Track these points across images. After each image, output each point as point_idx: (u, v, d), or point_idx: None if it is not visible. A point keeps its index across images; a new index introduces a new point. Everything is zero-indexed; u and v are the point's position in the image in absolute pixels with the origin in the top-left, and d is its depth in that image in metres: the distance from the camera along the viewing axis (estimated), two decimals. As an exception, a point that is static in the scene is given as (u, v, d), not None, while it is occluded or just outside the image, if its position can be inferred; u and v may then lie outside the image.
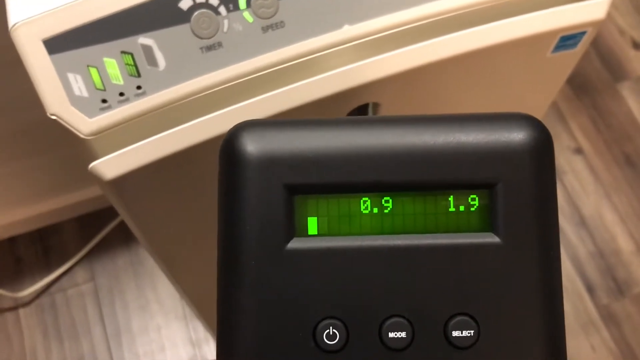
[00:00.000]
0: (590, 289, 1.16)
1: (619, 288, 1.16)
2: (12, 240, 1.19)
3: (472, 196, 0.28)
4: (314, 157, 0.28)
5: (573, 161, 1.27)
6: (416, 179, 0.28)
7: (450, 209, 0.28)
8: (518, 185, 0.28)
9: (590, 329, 1.13)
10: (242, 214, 0.27)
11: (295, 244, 0.28)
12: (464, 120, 0.29)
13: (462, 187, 0.28)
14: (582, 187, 1.25)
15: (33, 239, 1.20)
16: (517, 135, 0.28)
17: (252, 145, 0.28)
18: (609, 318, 1.14)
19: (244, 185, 0.27)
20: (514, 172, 0.28)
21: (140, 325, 1.16)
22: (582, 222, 1.21)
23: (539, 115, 0.64)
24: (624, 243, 1.20)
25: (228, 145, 0.28)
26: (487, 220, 0.28)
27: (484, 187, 0.28)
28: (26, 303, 1.16)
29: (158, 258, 0.56)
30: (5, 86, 0.81)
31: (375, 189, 0.28)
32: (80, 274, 1.18)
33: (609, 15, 1.37)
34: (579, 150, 1.27)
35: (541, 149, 0.28)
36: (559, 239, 0.29)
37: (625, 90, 1.32)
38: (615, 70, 1.34)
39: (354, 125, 0.29)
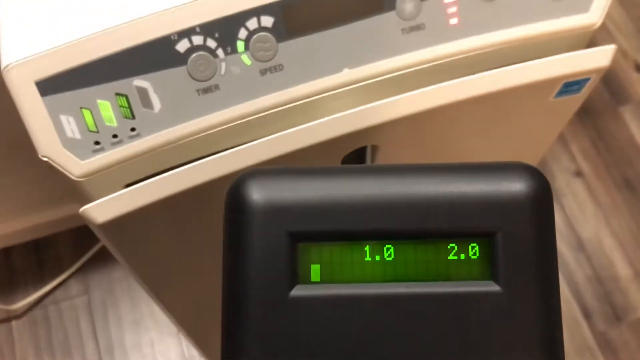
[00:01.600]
0: (587, 315, 1.15)
1: (616, 314, 1.16)
2: (6, 252, 1.18)
3: (472, 245, 0.28)
4: (318, 205, 0.28)
5: (573, 184, 1.26)
6: (417, 228, 0.28)
7: (450, 257, 0.28)
8: (518, 235, 0.28)
9: (586, 355, 1.12)
10: (246, 260, 0.28)
11: (298, 291, 0.28)
12: (465, 169, 0.29)
13: (463, 236, 0.28)
14: (581, 210, 1.24)
15: (28, 251, 1.19)
16: (516, 185, 0.28)
17: (257, 193, 0.28)
18: (606, 344, 1.13)
19: (248, 232, 0.28)
20: (513, 222, 0.28)
21: (133, 340, 1.15)
22: (580, 246, 1.21)
23: (539, 154, 0.63)
24: (622, 269, 1.19)
25: (234, 192, 0.29)
26: (488, 268, 0.28)
27: (484, 236, 0.28)
28: (19, 315, 1.15)
29: (151, 292, 0.55)
30: (0, 98, 0.81)
31: (378, 237, 0.28)
32: (74, 286, 1.18)
33: (612, 37, 1.37)
34: (579, 173, 1.27)
35: (540, 198, 0.28)
36: (559, 288, 0.29)
37: (627, 114, 1.32)
38: (618, 93, 1.33)
39: (357, 174, 0.29)
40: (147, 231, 0.47)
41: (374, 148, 0.50)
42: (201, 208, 0.46)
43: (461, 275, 0.28)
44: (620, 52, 1.36)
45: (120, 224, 0.43)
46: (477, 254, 0.28)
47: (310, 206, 0.28)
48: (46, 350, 1.13)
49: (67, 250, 1.19)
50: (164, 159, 0.45)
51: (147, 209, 0.43)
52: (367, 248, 0.28)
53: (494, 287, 0.28)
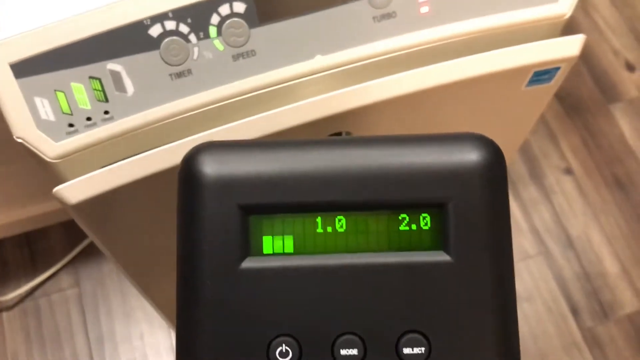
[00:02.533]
0: (574, 311, 1.16)
1: (604, 311, 1.16)
2: (-2, 244, 1.19)
3: (423, 215, 0.28)
4: (269, 178, 0.28)
5: (562, 181, 1.26)
6: (369, 199, 0.28)
7: (402, 228, 0.29)
8: (469, 205, 0.28)
9: (573, 352, 1.13)
10: (198, 233, 0.28)
11: (249, 263, 0.28)
12: (417, 140, 0.29)
13: (414, 207, 0.28)
14: (570, 207, 1.24)
15: (20, 243, 1.20)
16: (468, 155, 0.28)
17: (208, 167, 0.28)
18: (593, 341, 1.14)
19: (200, 205, 0.28)
20: (464, 192, 0.28)
21: (123, 333, 1.16)
22: (569, 243, 1.21)
23: (517, 143, 0.64)
24: (610, 266, 1.19)
25: (185, 166, 0.29)
26: (439, 239, 0.28)
27: (436, 206, 0.28)
28: (10, 307, 1.15)
29: (134, 281, 0.56)
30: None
31: (329, 208, 0.29)
32: (65, 279, 1.18)
33: (604, 36, 1.38)
34: (568, 171, 1.27)
35: (491, 168, 0.28)
36: (512, 258, 0.29)
37: (618, 112, 1.32)
38: (608, 92, 1.34)
39: (308, 146, 0.29)
40: (122, 214, 0.48)
41: (348, 135, 0.50)
42: (175, 192, 0.46)
43: (413, 246, 0.28)
44: (612, 51, 1.37)
45: (93, 206, 0.44)
46: (429, 225, 0.29)
47: (262, 179, 0.28)
48: (36, 341, 1.14)
49: (58, 243, 1.20)
50: (139, 143, 0.45)
51: (121, 191, 0.44)
52: (318, 220, 0.29)
53: (445, 257, 0.28)
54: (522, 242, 1.21)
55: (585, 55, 1.35)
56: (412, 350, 0.28)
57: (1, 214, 1.13)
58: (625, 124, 1.31)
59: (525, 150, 1.28)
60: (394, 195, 0.28)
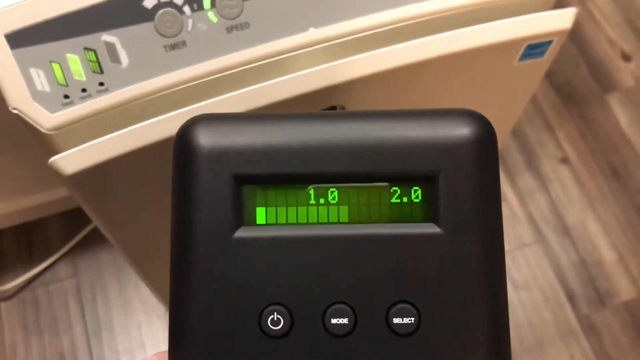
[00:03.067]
0: (571, 299, 1.16)
1: (600, 299, 1.16)
2: (-4, 234, 1.19)
3: (414, 187, 0.29)
4: (262, 149, 0.29)
5: (559, 170, 1.27)
6: (360, 171, 0.29)
7: (393, 200, 0.29)
8: (458, 177, 0.29)
9: (569, 339, 1.13)
10: (192, 203, 0.28)
11: (242, 232, 0.28)
12: (409, 114, 0.30)
13: (405, 179, 0.29)
14: (567, 196, 1.25)
15: (17, 234, 1.20)
16: (458, 128, 0.29)
17: (202, 139, 0.29)
18: (589, 328, 1.14)
19: (194, 175, 0.28)
20: (454, 164, 0.29)
21: (121, 323, 1.16)
22: (565, 231, 1.22)
23: (510, 123, 0.64)
24: (607, 254, 1.20)
25: (180, 138, 0.29)
26: (429, 211, 0.29)
27: (426, 179, 0.29)
28: (8, 297, 1.16)
29: (125, 255, 0.56)
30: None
31: (321, 180, 0.29)
32: (63, 269, 1.19)
33: (599, 25, 1.38)
34: (565, 160, 1.28)
35: (482, 141, 0.29)
36: (502, 231, 0.30)
37: (614, 102, 1.33)
38: (604, 81, 1.34)
39: (301, 119, 0.30)
40: (118, 188, 0.48)
41: (342, 109, 0.51)
42: (170, 163, 0.47)
43: (404, 218, 0.29)
44: (607, 41, 1.37)
45: (89, 177, 0.44)
46: (420, 197, 0.29)
47: (255, 150, 0.29)
48: (34, 331, 1.14)
49: (56, 233, 1.20)
50: (134, 115, 0.46)
51: (116, 162, 0.44)
52: (311, 191, 0.29)
53: (435, 229, 0.28)
54: (518, 230, 1.21)
55: (581, 45, 1.36)
56: (402, 320, 0.28)
57: (-1, 204, 1.13)
58: (621, 114, 1.31)
59: (522, 140, 1.29)
60: (386, 168, 0.29)
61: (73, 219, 1.20)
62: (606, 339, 1.13)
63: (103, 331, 1.15)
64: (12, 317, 1.15)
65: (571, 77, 1.34)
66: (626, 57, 1.36)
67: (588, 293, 1.17)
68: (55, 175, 0.44)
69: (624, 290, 1.17)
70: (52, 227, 1.20)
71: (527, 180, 1.26)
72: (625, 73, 1.35)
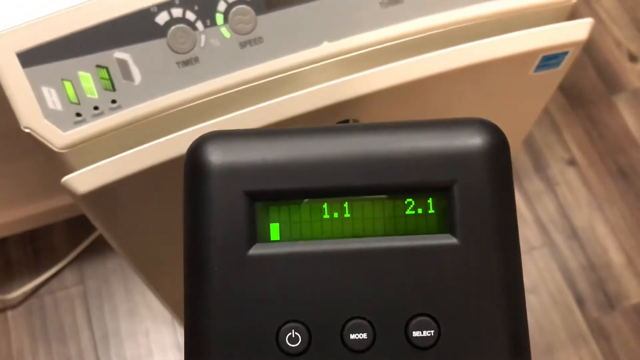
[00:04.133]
0: (580, 302, 1.16)
1: (609, 301, 1.16)
2: (2, 242, 1.19)
3: (429, 199, 0.29)
4: (275, 165, 0.28)
5: (566, 172, 1.26)
6: (374, 184, 0.28)
7: (408, 212, 0.29)
8: (473, 187, 0.28)
9: (579, 342, 1.13)
10: (205, 221, 0.28)
11: (257, 249, 0.28)
12: (420, 125, 0.29)
13: (420, 190, 0.29)
14: (574, 198, 1.24)
15: (24, 241, 1.20)
16: (472, 139, 0.28)
17: (214, 155, 0.28)
18: (599, 331, 1.14)
19: (206, 193, 0.28)
20: (468, 175, 0.28)
21: (128, 329, 1.16)
22: (573, 233, 1.21)
23: (523, 133, 0.63)
24: (615, 256, 1.19)
25: (191, 155, 0.29)
26: (444, 222, 0.28)
27: (441, 189, 0.28)
28: (15, 305, 1.15)
29: (135, 267, 0.56)
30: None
31: (335, 194, 0.29)
32: (69, 276, 1.18)
33: (606, 27, 1.37)
34: (572, 162, 1.27)
35: (496, 151, 0.29)
36: (518, 240, 0.29)
37: (621, 103, 1.32)
38: (611, 82, 1.33)
39: (313, 133, 0.29)
40: (130, 205, 0.48)
41: (355, 122, 0.50)
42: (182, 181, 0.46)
43: (419, 230, 0.29)
44: (614, 42, 1.36)
45: (102, 195, 0.44)
46: (435, 208, 0.29)
47: (267, 166, 0.28)
48: (42, 339, 1.14)
49: (62, 240, 1.20)
50: (146, 133, 0.45)
51: (129, 181, 0.44)
52: (325, 206, 0.29)
53: (451, 240, 0.28)
54: (526, 233, 1.20)
55: (588, 46, 1.35)
56: (422, 334, 0.28)
57: (5, 212, 1.13)
58: (628, 115, 1.31)
59: (529, 142, 1.28)
60: (399, 180, 0.28)
61: (79, 225, 1.19)
62: (616, 342, 1.13)
63: (110, 338, 1.15)
64: (19, 325, 1.14)
65: (578, 78, 1.33)
66: (633, 58, 1.35)
67: (597, 296, 1.16)
68: (69, 194, 0.44)
69: (634, 292, 1.16)
70: (58, 234, 1.20)
71: (534, 183, 1.25)
72: (632, 74, 1.34)
